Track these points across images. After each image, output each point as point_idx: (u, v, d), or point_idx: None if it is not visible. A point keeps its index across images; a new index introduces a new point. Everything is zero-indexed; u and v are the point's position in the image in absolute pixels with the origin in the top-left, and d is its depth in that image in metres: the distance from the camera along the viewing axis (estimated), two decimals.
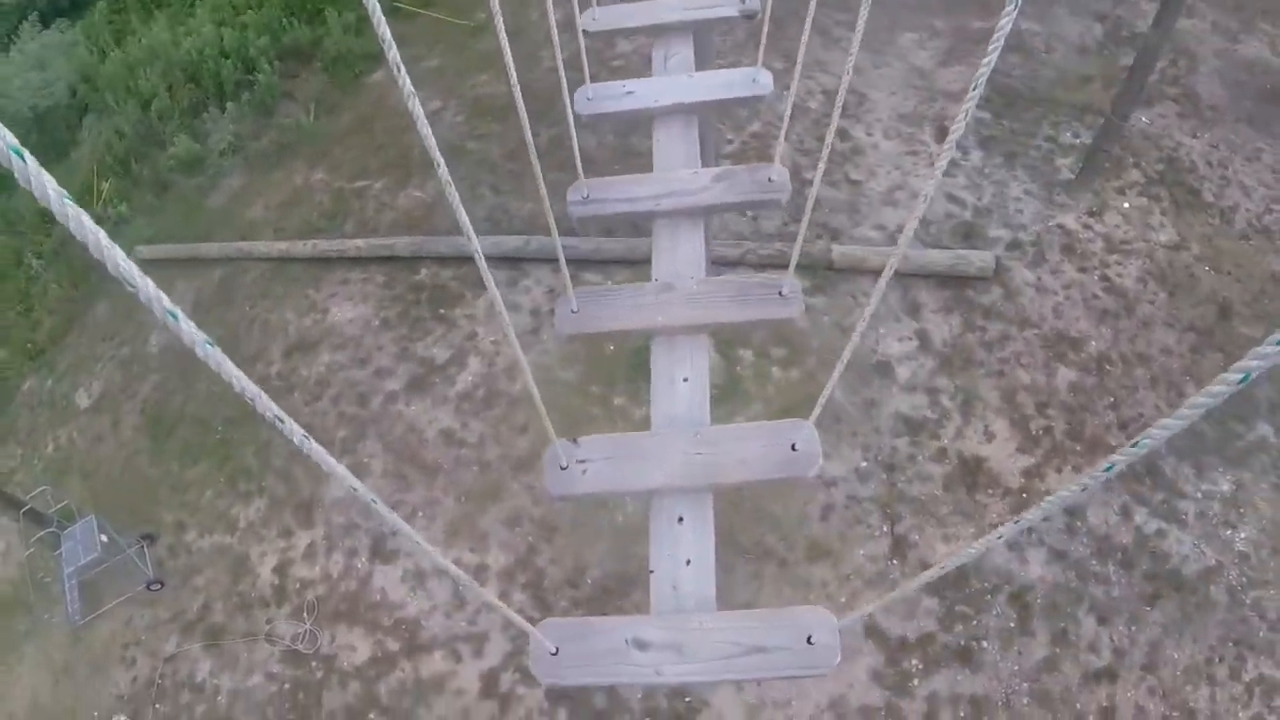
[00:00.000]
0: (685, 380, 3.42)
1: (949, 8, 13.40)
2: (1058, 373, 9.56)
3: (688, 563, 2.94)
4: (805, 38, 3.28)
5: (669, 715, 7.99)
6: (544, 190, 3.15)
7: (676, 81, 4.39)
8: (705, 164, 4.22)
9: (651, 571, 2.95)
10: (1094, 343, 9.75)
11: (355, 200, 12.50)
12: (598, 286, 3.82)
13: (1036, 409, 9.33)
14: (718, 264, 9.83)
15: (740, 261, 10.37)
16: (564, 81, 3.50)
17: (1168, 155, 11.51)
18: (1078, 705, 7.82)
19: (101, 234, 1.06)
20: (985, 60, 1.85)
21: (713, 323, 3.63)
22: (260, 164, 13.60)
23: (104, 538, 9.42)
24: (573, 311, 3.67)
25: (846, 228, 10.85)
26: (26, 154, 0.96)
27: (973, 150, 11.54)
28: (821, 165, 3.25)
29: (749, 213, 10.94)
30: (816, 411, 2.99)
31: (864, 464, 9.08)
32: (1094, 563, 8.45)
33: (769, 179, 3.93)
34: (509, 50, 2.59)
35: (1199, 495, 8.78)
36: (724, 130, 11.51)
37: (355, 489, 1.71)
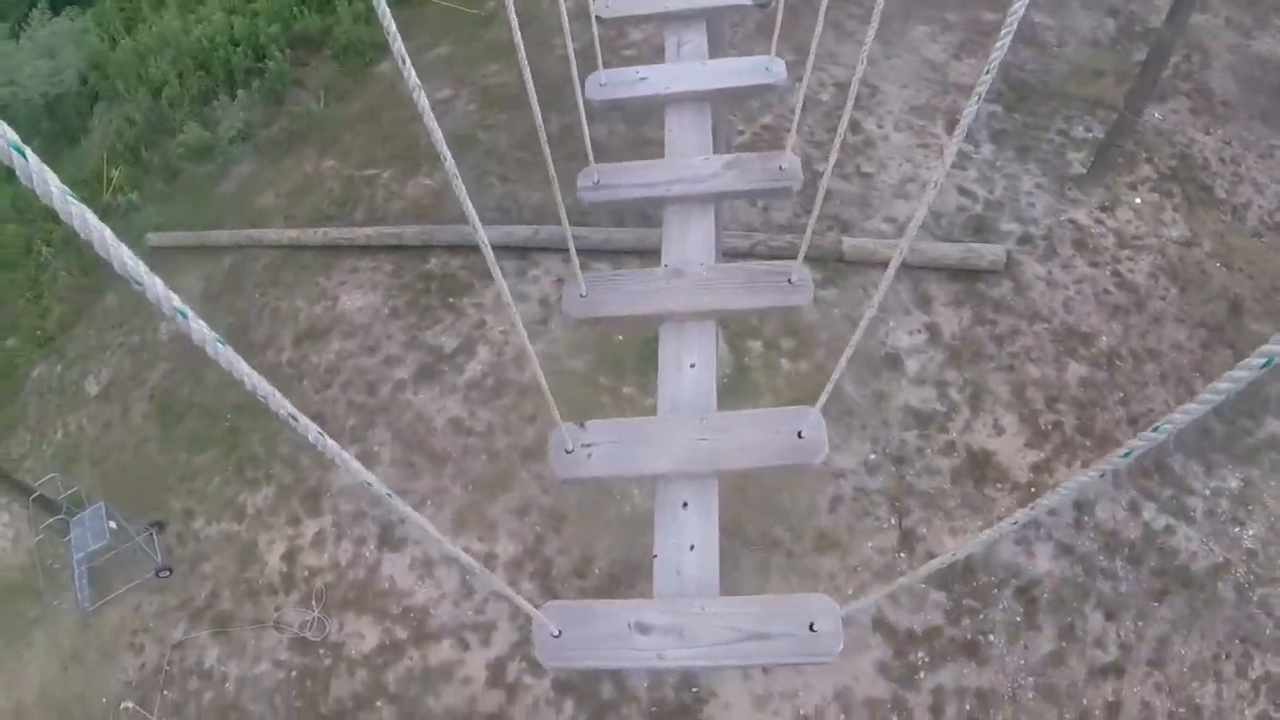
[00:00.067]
0: (692, 366, 3.42)
1: (962, 0, 13.35)
2: (1068, 367, 9.53)
3: (691, 548, 2.94)
4: (818, 29, 3.27)
5: (676, 705, 8.00)
6: (554, 173, 3.15)
7: (690, 68, 4.38)
8: (717, 153, 4.21)
9: (655, 556, 2.95)
10: (1104, 338, 9.72)
11: (365, 188, 12.50)
12: (607, 272, 3.81)
13: (1046, 403, 9.30)
14: (728, 255, 9.80)
15: (750, 253, 10.35)
16: (574, 68, 3.49)
17: (1180, 151, 11.46)
18: (1084, 700, 7.82)
19: (107, 231, 1.03)
20: (998, 44, 1.85)
21: (721, 309, 3.62)
22: (270, 151, 13.61)
23: (113, 525, 9.45)
24: (581, 296, 3.67)
25: (857, 220, 10.82)
26: (28, 151, 0.95)
27: (984, 144, 11.50)
28: (834, 154, 3.23)
29: (760, 203, 10.92)
30: (823, 399, 2.98)
31: (872, 456, 9.07)
32: (1102, 558, 8.43)
33: (780, 167, 3.92)
34: (519, 35, 2.58)
35: (1207, 492, 8.76)
36: (735, 121, 11.48)
37: (370, 483, 1.71)
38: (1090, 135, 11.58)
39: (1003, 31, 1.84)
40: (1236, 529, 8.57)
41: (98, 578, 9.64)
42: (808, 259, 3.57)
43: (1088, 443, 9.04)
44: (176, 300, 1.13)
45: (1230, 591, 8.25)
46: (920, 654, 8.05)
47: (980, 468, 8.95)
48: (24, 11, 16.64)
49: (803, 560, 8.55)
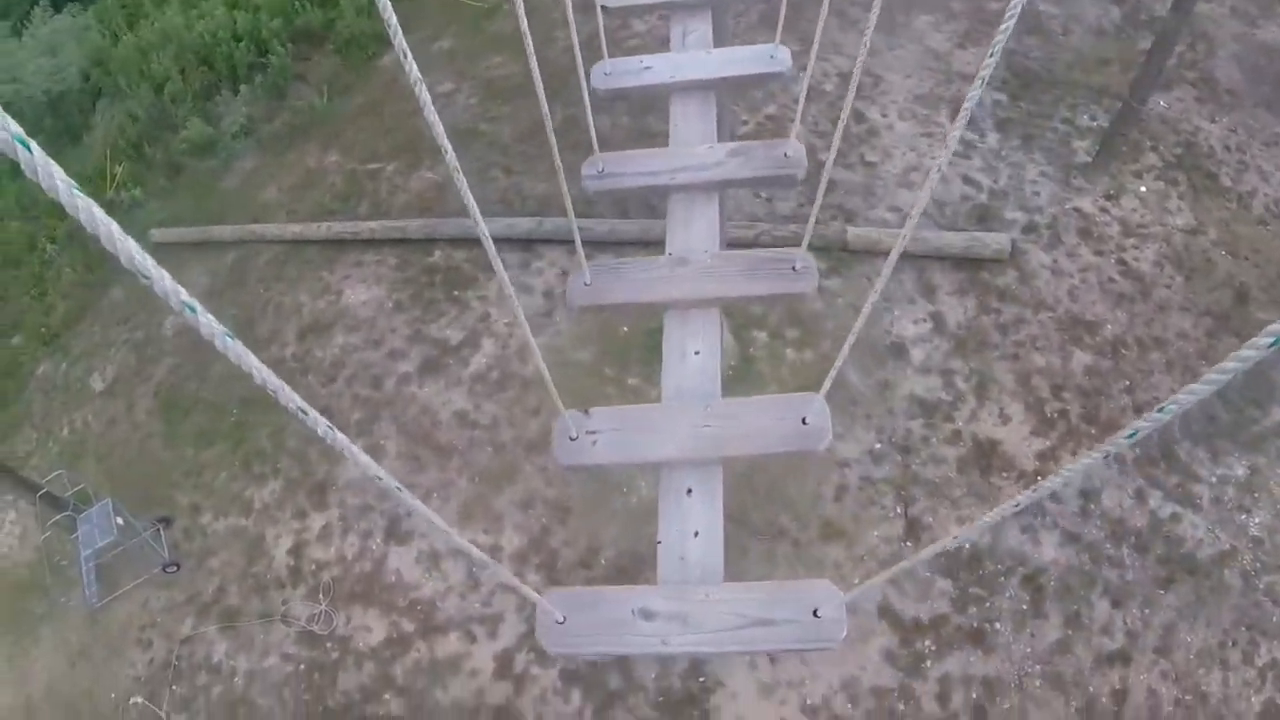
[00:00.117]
0: (697, 353, 3.42)
1: None
2: (1073, 356, 9.52)
3: (695, 534, 2.96)
4: (822, 18, 3.27)
5: (683, 695, 8.01)
6: (560, 163, 3.15)
7: (695, 57, 4.38)
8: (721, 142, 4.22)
9: (659, 542, 2.96)
10: (1109, 326, 9.70)
11: (368, 182, 12.50)
12: (611, 260, 3.81)
13: (1051, 392, 9.29)
14: (732, 246, 9.79)
15: (754, 243, 10.32)
16: (579, 57, 3.49)
17: (1185, 139, 11.43)
18: (1090, 688, 7.82)
19: (114, 225, 1.03)
20: (1001, 28, 1.85)
21: (725, 296, 3.63)
22: (273, 146, 13.61)
23: (120, 521, 9.46)
24: (585, 284, 3.68)
25: (861, 210, 10.80)
26: (33, 144, 0.95)
27: (989, 132, 11.48)
28: (836, 141, 3.23)
29: (763, 194, 10.91)
30: (826, 385, 2.98)
31: (878, 446, 9.07)
32: (1108, 546, 8.43)
33: (785, 154, 3.93)
34: (526, 22, 2.58)
35: (1214, 479, 8.75)
36: (738, 112, 11.46)
37: (380, 478, 1.72)
38: (1095, 123, 11.55)
39: (1006, 15, 1.84)
40: (1243, 516, 8.56)
41: (105, 574, 9.67)
42: (812, 248, 3.57)
43: (1093, 431, 9.03)
44: (185, 294, 1.13)
45: (1237, 579, 8.24)
46: (927, 642, 8.06)
47: (986, 456, 8.95)
48: (26, 9, 16.65)
49: (809, 549, 8.56)
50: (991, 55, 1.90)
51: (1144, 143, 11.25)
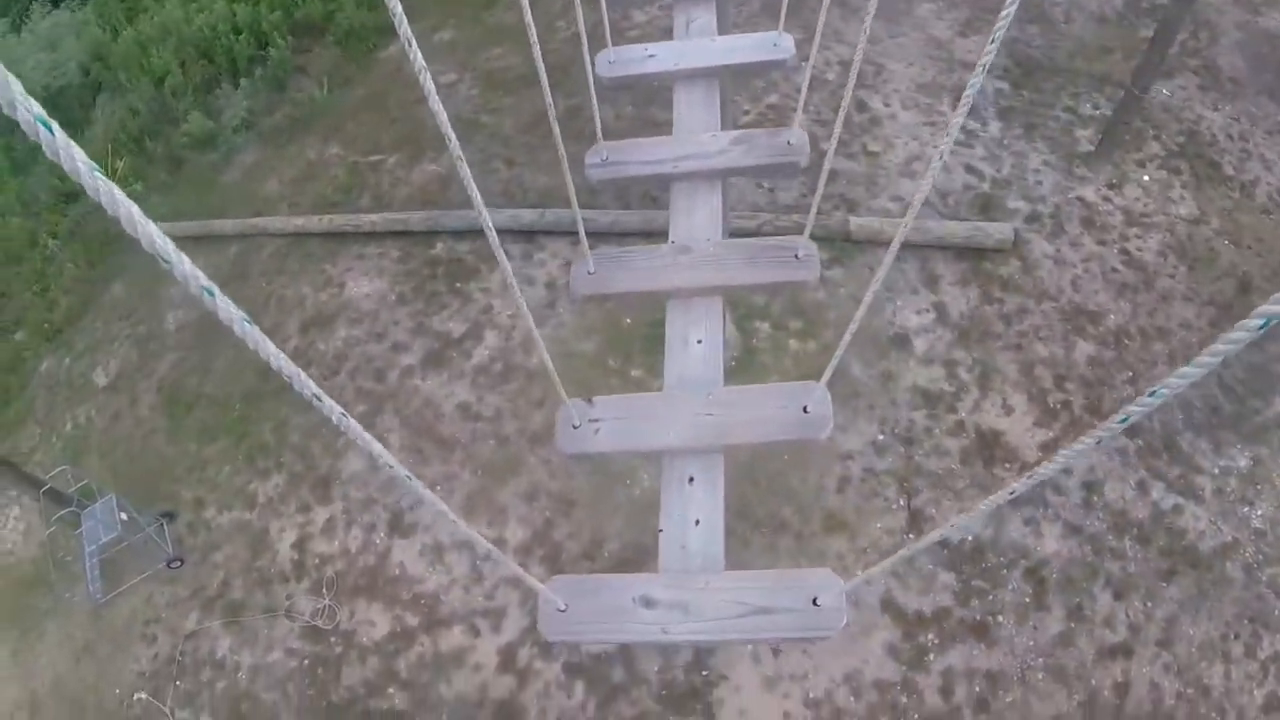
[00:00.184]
0: (699, 342, 3.43)
1: None
2: (1076, 346, 9.50)
3: (697, 523, 2.96)
4: (825, 6, 3.26)
5: (686, 688, 8.02)
6: (563, 152, 3.14)
7: (698, 45, 4.38)
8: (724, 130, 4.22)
9: (661, 531, 2.97)
10: (1112, 316, 9.68)
11: (370, 174, 12.48)
12: (614, 249, 3.81)
13: (1054, 382, 9.28)
14: (734, 236, 9.78)
15: (757, 233, 10.30)
16: (584, 45, 3.49)
17: (1188, 128, 11.40)
18: (1092, 681, 7.82)
19: (135, 208, 1.03)
20: (1003, 15, 1.84)
21: (728, 284, 3.63)
22: (274, 139, 13.59)
23: (124, 516, 9.45)
24: (589, 273, 3.69)
25: (864, 199, 10.78)
26: (55, 126, 0.95)
27: (991, 121, 11.45)
28: (837, 128, 3.22)
29: (766, 184, 10.88)
30: (828, 373, 2.98)
31: (881, 437, 9.06)
32: (1110, 538, 8.42)
33: (788, 142, 3.93)
34: (530, 14, 2.57)
35: (1216, 471, 8.74)
36: (740, 101, 11.42)
37: (391, 466, 1.73)
38: (1098, 112, 11.52)
39: (1008, 3, 1.84)
40: (1245, 508, 8.55)
41: (109, 569, 9.67)
42: (815, 238, 3.56)
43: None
44: (203, 278, 1.14)
45: (1239, 571, 8.24)
46: (929, 636, 8.06)
47: (989, 447, 8.94)
48: (25, 5, 16.63)
49: (811, 541, 8.55)
50: (993, 43, 1.89)
51: (1147, 131, 11.22)
